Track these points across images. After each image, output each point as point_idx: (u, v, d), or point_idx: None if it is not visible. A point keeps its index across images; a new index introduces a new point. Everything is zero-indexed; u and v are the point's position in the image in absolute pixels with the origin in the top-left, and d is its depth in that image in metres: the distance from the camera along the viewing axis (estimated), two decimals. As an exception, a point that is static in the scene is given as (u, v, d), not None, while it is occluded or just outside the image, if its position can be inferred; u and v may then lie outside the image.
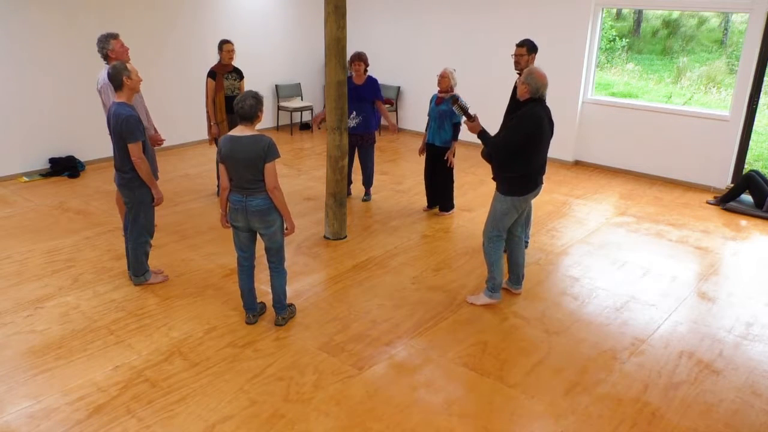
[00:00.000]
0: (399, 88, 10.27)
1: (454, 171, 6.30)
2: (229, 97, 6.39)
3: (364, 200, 6.90)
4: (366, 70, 6.47)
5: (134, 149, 4.28)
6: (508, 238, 4.64)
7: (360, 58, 6.39)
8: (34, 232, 5.80)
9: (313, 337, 4.18)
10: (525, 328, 4.38)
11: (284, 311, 4.32)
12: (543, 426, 3.40)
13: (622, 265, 5.44)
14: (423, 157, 6.49)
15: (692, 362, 4.03)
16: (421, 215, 6.49)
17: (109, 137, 4.46)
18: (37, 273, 5.00)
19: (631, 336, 4.31)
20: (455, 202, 6.57)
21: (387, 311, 4.55)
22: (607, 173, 8.23)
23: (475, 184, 7.53)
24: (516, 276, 4.79)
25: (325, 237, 5.83)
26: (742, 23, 13.76)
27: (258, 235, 4.17)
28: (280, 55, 10.03)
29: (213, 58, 6.79)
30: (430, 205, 6.60)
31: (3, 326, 4.21)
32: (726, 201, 6.94)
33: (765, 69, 7.11)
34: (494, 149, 4.29)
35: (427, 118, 6.26)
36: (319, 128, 10.27)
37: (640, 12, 16.83)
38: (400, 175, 7.88)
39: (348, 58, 5.59)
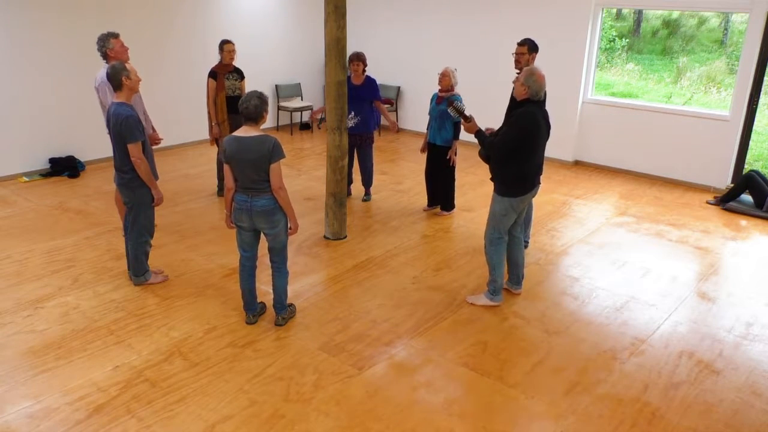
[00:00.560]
0: (399, 88, 10.27)
1: (455, 171, 6.31)
2: (230, 97, 6.39)
3: (364, 200, 6.91)
4: (364, 70, 6.47)
5: (134, 149, 4.28)
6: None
7: (358, 58, 6.39)
8: (34, 232, 5.80)
9: (313, 337, 4.18)
10: (525, 328, 4.38)
11: (284, 311, 4.33)
12: (543, 426, 3.40)
13: (622, 265, 5.44)
14: (423, 157, 6.50)
15: (692, 362, 4.03)
16: (421, 215, 6.49)
17: (109, 137, 4.47)
18: (37, 273, 5.00)
19: (631, 336, 4.31)
20: (455, 202, 6.58)
21: (387, 311, 4.55)
22: (607, 173, 8.23)
23: (475, 184, 7.53)
24: (516, 276, 4.79)
25: (325, 237, 5.83)
26: (742, 23, 13.75)
27: (261, 235, 4.17)
28: (280, 55, 10.04)
29: (213, 58, 6.79)
30: (431, 204, 6.61)
31: (3, 326, 4.22)
32: (726, 201, 6.94)
33: (765, 69, 7.11)
34: (491, 149, 4.29)
35: (428, 117, 6.26)
36: (319, 127, 10.28)
37: (640, 12, 16.83)
38: (400, 175, 7.88)
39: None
